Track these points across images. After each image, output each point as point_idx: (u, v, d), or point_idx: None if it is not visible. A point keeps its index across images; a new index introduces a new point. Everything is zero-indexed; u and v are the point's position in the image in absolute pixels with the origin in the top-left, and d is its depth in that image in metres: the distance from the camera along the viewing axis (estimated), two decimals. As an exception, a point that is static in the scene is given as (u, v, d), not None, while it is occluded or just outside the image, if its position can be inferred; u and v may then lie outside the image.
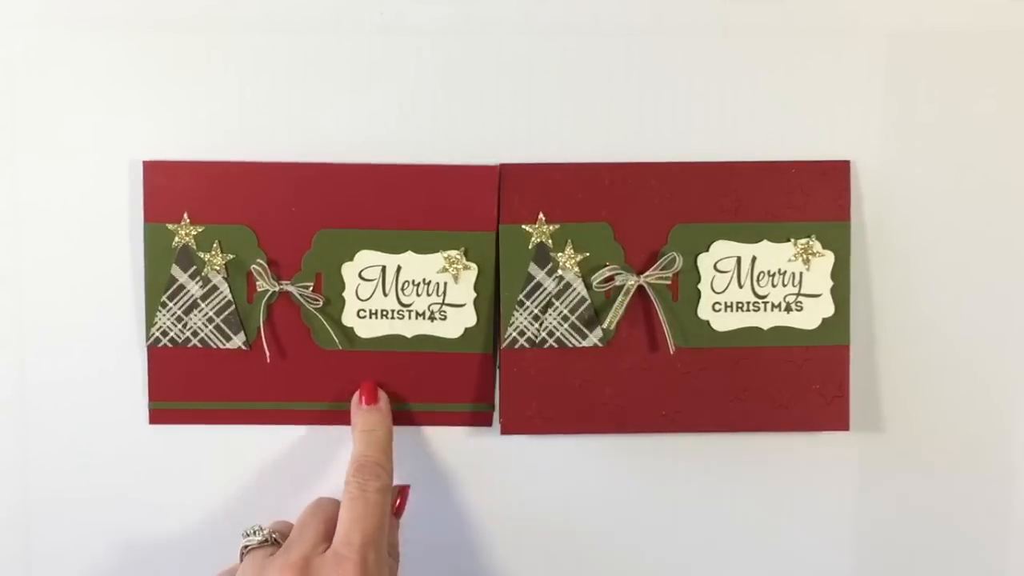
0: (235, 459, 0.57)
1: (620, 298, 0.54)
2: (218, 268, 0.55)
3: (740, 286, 0.55)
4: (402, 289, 0.55)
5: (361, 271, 0.55)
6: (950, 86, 0.55)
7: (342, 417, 0.55)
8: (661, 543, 0.57)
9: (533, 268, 0.55)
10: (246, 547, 0.51)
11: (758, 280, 0.55)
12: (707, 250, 0.55)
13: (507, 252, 0.55)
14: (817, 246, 0.55)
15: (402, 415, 0.56)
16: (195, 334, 0.55)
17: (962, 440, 0.57)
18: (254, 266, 0.54)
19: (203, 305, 0.55)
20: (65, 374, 0.56)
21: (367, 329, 0.55)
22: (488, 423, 0.56)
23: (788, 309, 0.55)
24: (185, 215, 0.54)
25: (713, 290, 0.55)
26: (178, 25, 0.55)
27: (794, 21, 0.55)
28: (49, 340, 0.56)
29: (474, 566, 0.58)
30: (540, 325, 0.55)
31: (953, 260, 0.56)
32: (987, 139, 0.55)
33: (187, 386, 0.55)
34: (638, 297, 0.55)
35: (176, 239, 0.54)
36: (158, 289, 0.55)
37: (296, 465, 0.57)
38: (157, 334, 0.55)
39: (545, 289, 0.55)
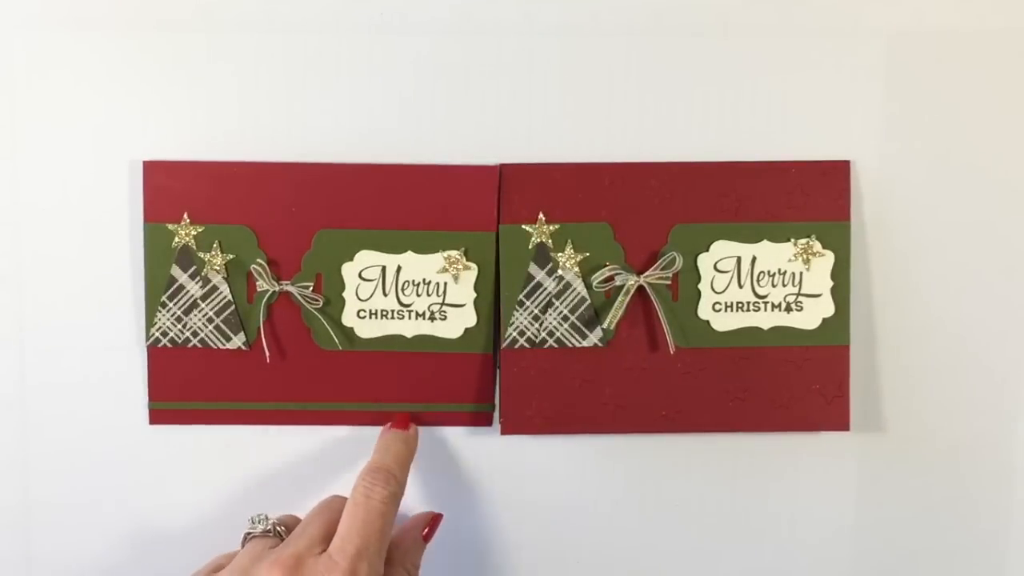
0: (235, 460, 0.57)
1: (620, 298, 0.54)
2: (218, 268, 0.55)
3: (740, 286, 0.55)
4: (402, 289, 0.55)
5: (361, 271, 0.55)
6: (950, 86, 0.55)
7: (342, 417, 0.55)
8: (661, 543, 0.57)
9: (533, 268, 0.55)
10: (249, 534, 0.51)
11: (758, 280, 0.55)
12: (707, 250, 0.55)
13: (507, 252, 0.55)
14: (817, 246, 0.55)
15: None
16: (195, 334, 0.55)
17: (962, 440, 0.57)
18: (254, 266, 0.54)
19: (203, 305, 0.55)
20: (65, 374, 0.56)
21: (367, 329, 0.55)
22: (488, 423, 0.56)
23: (788, 309, 0.55)
24: (185, 215, 0.54)
25: (713, 290, 0.55)
26: (178, 25, 0.55)
27: (794, 21, 0.55)
28: (49, 340, 0.56)
29: (474, 566, 0.58)
30: (540, 325, 0.55)
31: (953, 260, 0.56)
32: (987, 139, 0.55)
33: (187, 386, 0.55)
34: (638, 297, 0.55)
35: (176, 239, 0.54)
36: (158, 289, 0.55)
37: (297, 466, 0.57)
38: (157, 334, 0.55)
39: (545, 289, 0.55)
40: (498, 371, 0.56)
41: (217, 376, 0.55)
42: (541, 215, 0.55)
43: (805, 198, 0.55)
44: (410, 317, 0.55)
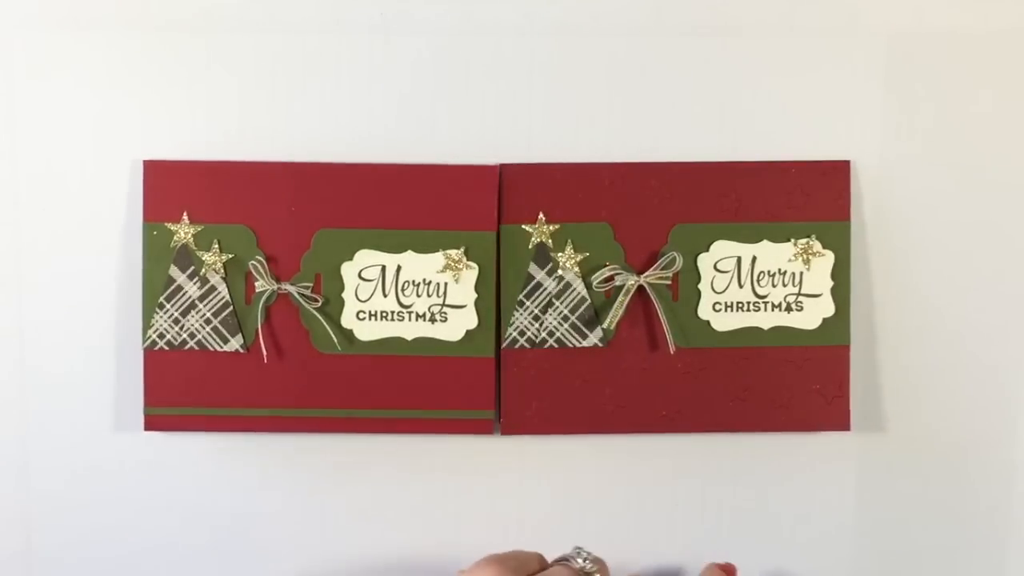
0: (234, 462, 0.57)
1: (620, 298, 0.54)
2: (217, 268, 0.54)
3: (740, 286, 0.55)
4: (402, 290, 0.55)
5: (361, 271, 0.55)
6: (950, 86, 0.55)
7: (340, 424, 0.55)
8: (661, 543, 0.57)
9: (533, 268, 0.55)
10: (565, 559, 0.49)
11: (758, 280, 0.55)
12: (707, 250, 0.55)
13: (507, 252, 0.55)
14: (817, 246, 0.55)
15: (401, 423, 0.55)
16: (192, 336, 0.55)
17: (962, 440, 0.57)
18: (253, 263, 0.54)
19: (201, 306, 0.55)
20: (65, 374, 0.56)
21: (367, 331, 0.55)
22: (489, 431, 0.55)
23: (788, 309, 0.55)
24: (184, 215, 0.54)
25: (713, 290, 0.55)
26: (178, 25, 0.55)
27: (794, 21, 0.55)
28: (49, 340, 0.56)
29: (474, 567, 0.58)
30: (540, 325, 0.55)
31: (953, 260, 0.56)
32: (987, 139, 0.55)
33: (183, 391, 0.55)
34: (638, 297, 0.55)
35: (175, 238, 0.54)
36: (156, 290, 0.55)
37: (295, 471, 0.57)
38: (154, 336, 0.55)
39: (545, 289, 0.55)
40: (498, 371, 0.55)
41: (214, 380, 0.55)
42: (541, 215, 0.55)
43: (805, 198, 0.55)
44: (410, 319, 0.55)
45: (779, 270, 0.55)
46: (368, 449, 0.56)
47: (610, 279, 0.54)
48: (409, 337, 0.55)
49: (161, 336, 0.55)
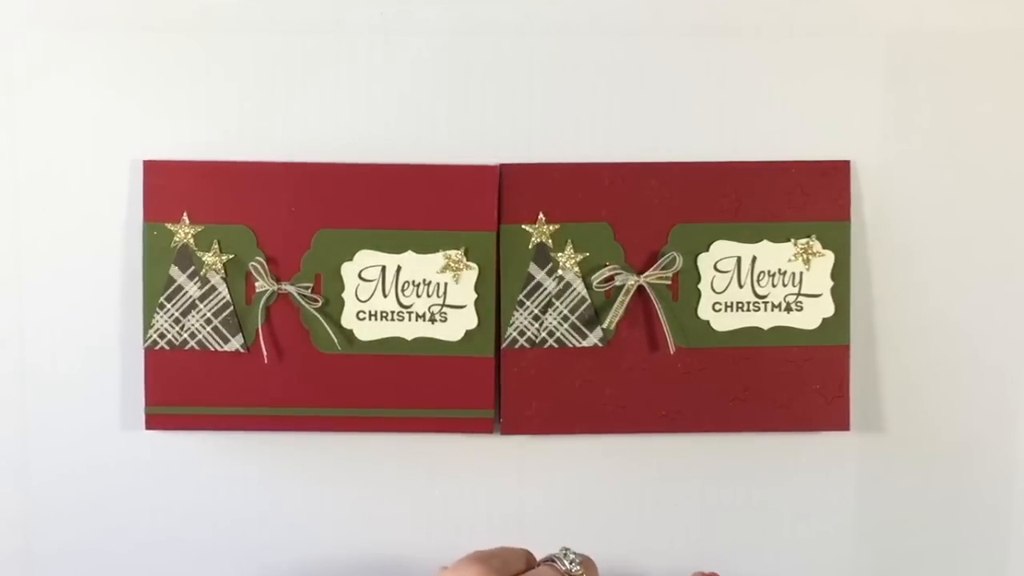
0: (234, 461, 0.57)
1: (620, 298, 0.54)
2: (217, 268, 0.55)
3: (740, 286, 0.55)
4: (402, 290, 0.55)
5: (361, 271, 0.55)
6: (950, 86, 0.55)
7: (340, 424, 0.55)
8: (661, 543, 0.57)
9: (533, 268, 0.55)
10: (552, 559, 0.48)
11: (758, 280, 0.55)
12: (707, 250, 0.55)
13: (507, 252, 0.55)
14: (817, 246, 0.55)
15: (401, 423, 0.55)
16: (192, 336, 0.55)
17: (962, 440, 0.57)
18: (253, 263, 0.54)
19: (201, 306, 0.55)
20: (65, 374, 0.56)
21: (367, 331, 0.55)
22: (488, 430, 0.56)
23: (788, 309, 0.55)
24: (184, 215, 0.54)
25: (713, 290, 0.55)
26: (178, 26, 0.55)
27: (794, 21, 0.55)
28: (49, 340, 0.56)
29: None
30: (540, 325, 0.55)
31: (953, 260, 0.56)
32: (987, 139, 0.55)
33: (184, 390, 0.55)
34: (638, 297, 0.55)
35: (175, 239, 0.54)
36: (156, 290, 0.55)
37: (295, 471, 0.57)
38: (154, 336, 0.55)
39: (545, 289, 0.55)
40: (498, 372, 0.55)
41: (214, 379, 0.55)
42: (541, 215, 0.55)
43: (805, 198, 0.55)
44: (410, 319, 0.55)
45: (779, 270, 0.55)
46: (368, 449, 0.57)
47: (610, 279, 0.54)
48: (409, 337, 0.55)
49: (162, 336, 0.55)
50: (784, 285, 0.55)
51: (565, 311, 0.55)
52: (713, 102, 0.55)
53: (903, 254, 0.56)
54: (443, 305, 0.55)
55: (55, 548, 0.57)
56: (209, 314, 0.55)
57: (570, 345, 0.55)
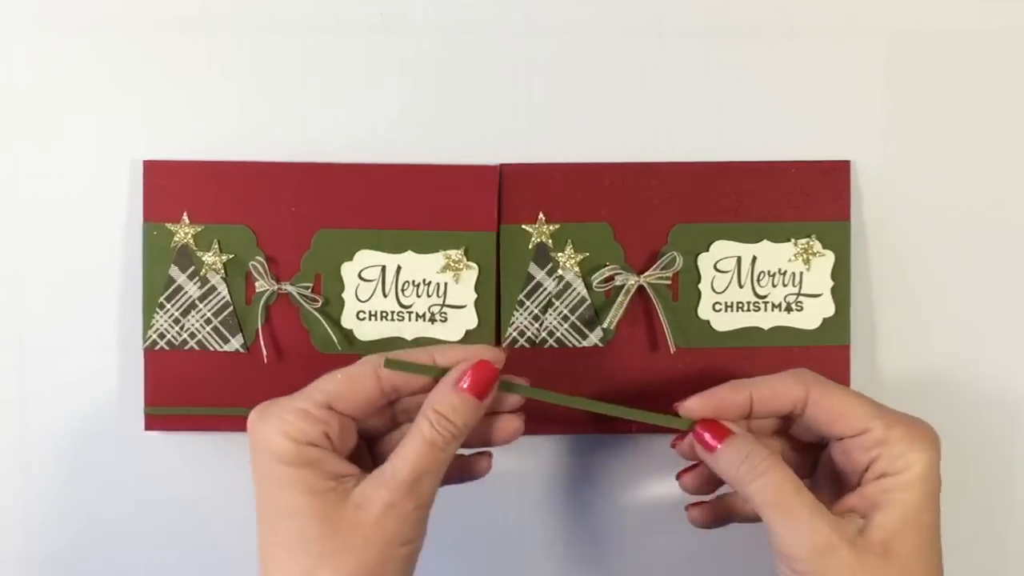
0: (234, 461, 0.57)
1: (620, 298, 0.54)
2: (217, 268, 0.54)
3: (740, 286, 0.55)
4: (402, 290, 0.55)
5: (361, 271, 0.55)
6: (950, 86, 0.55)
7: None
8: (662, 543, 0.57)
9: (533, 268, 0.55)
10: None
11: (758, 280, 0.55)
12: (707, 250, 0.55)
13: (507, 252, 0.55)
14: (817, 246, 0.55)
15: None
16: (192, 336, 0.55)
17: (962, 440, 0.57)
18: (253, 263, 0.54)
19: (201, 306, 0.55)
20: (65, 375, 0.56)
21: (366, 331, 0.55)
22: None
23: (788, 309, 0.55)
24: (184, 215, 0.54)
25: (713, 290, 0.55)
26: (178, 25, 0.55)
27: (794, 21, 0.55)
28: (49, 340, 0.56)
29: (474, 566, 0.57)
30: (540, 325, 0.55)
31: (953, 260, 0.56)
32: (987, 139, 0.55)
33: (183, 391, 0.55)
34: (638, 297, 0.55)
35: (175, 238, 0.54)
36: (156, 290, 0.55)
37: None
38: (154, 336, 0.55)
39: (545, 289, 0.55)
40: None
41: (214, 380, 0.55)
42: (541, 215, 0.55)
43: (805, 198, 0.55)
44: (410, 319, 0.55)
45: (779, 270, 0.55)
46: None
47: (610, 279, 0.54)
48: (409, 337, 0.55)
49: (161, 336, 0.55)
50: (784, 285, 0.55)
51: (565, 311, 0.55)
52: (713, 102, 0.55)
53: (903, 254, 0.56)
54: (443, 305, 0.55)
55: (54, 548, 0.57)
56: (209, 314, 0.55)
57: (570, 345, 0.55)
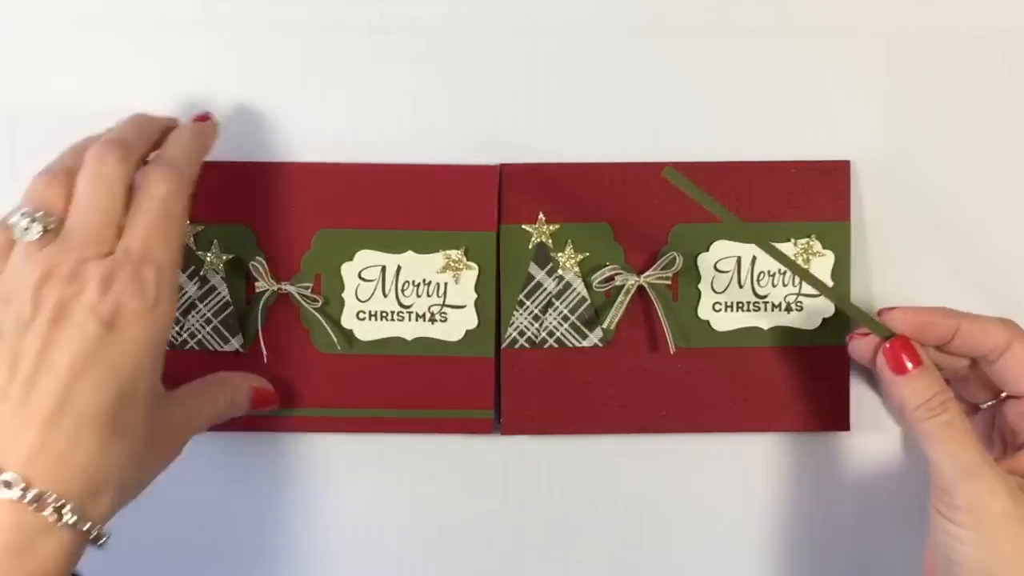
0: (234, 461, 0.57)
1: (620, 298, 0.54)
2: (217, 268, 0.54)
3: (740, 286, 0.55)
4: (402, 290, 0.55)
5: (361, 271, 0.55)
6: (950, 86, 0.55)
7: (340, 424, 0.55)
8: (662, 543, 0.57)
9: (533, 268, 0.55)
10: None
11: (758, 280, 0.55)
12: (707, 250, 0.55)
13: (507, 252, 0.55)
14: (817, 246, 0.55)
15: (401, 423, 0.55)
16: (192, 336, 0.55)
17: (962, 440, 0.57)
18: (253, 263, 0.54)
19: (201, 306, 0.55)
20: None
21: (366, 331, 0.55)
22: (488, 430, 0.55)
23: (788, 309, 0.55)
24: (184, 215, 0.54)
25: (713, 290, 0.55)
26: (178, 25, 0.55)
27: (794, 21, 0.55)
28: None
29: (474, 566, 0.57)
30: (540, 325, 0.55)
31: (953, 260, 0.56)
32: (987, 139, 0.55)
33: None
34: (638, 297, 0.55)
35: (175, 239, 0.54)
36: (156, 290, 0.54)
37: (294, 471, 0.57)
38: (154, 336, 0.55)
39: (545, 289, 0.55)
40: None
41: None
42: (541, 215, 0.55)
43: (805, 198, 0.55)
44: (410, 319, 0.55)
45: (779, 270, 0.55)
46: (368, 449, 0.56)
47: (610, 279, 0.54)
48: (409, 337, 0.55)
49: (161, 336, 0.55)
50: (784, 285, 0.55)
51: (565, 311, 0.55)
52: (713, 102, 0.55)
53: (903, 254, 0.56)
54: (443, 305, 0.55)
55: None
56: (209, 314, 0.55)
57: (570, 345, 0.55)
